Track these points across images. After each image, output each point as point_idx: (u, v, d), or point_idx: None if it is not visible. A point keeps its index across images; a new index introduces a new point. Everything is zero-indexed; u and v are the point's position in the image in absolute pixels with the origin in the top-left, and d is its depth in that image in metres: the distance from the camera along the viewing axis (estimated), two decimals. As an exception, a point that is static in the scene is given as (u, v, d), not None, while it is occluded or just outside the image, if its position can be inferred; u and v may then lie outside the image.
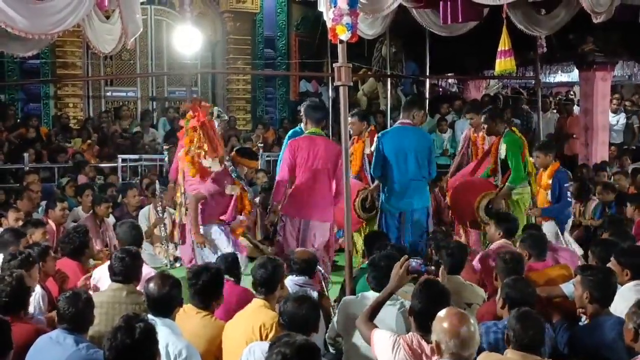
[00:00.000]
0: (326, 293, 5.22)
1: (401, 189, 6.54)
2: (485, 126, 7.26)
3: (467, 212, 6.98)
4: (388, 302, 3.91)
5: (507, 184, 6.91)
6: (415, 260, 3.91)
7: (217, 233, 6.35)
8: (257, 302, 4.12)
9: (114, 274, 4.48)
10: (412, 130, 6.65)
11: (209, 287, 4.17)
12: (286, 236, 6.21)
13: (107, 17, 7.71)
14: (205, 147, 6.23)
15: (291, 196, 6.20)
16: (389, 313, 3.98)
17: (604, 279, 4.01)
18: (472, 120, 7.94)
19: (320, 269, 5.53)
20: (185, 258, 6.92)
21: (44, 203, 7.99)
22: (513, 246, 5.52)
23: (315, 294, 4.44)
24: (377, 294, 4.02)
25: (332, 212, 6.24)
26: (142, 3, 7.72)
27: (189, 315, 4.12)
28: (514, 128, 7.52)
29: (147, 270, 4.82)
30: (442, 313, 3.15)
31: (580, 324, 4.29)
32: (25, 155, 10.29)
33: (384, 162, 6.51)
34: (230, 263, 4.91)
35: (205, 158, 6.26)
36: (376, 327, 3.70)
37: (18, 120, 12.44)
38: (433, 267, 4.19)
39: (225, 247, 6.24)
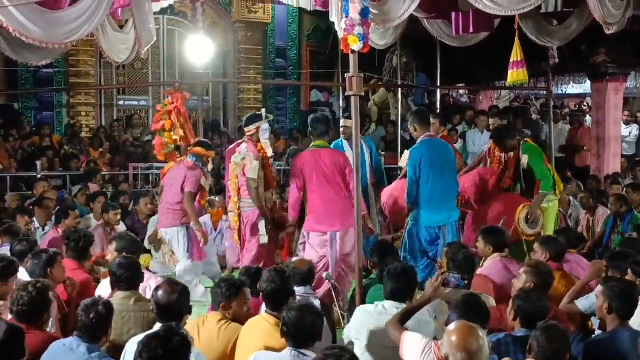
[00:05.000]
0: (336, 303, 5.18)
1: (442, 202, 6.47)
2: (499, 147, 7.29)
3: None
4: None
5: (540, 191, 6.90)
6: (454, 275, 3.98)
7: (175, 236, 6.37)
8: (269, 321, 4.05)
9: (118, 282, 4.49)
10: (441, 141, 6.73)
11: (229, 297, 4.19)
12: (306, 253, 6.10)
13: (121, 27, 7.77)
14: (181, 132, 6.31)
15: (311, 212, 6.15)
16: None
17: (625, 291, 3.98)
18: (496, 125, 7.92)
19: (329, 273, 5.51)
20: (232, 260, 7.08)
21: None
22: (507, 259, 5.46)
23: (317, 302, 4.43)
24: (396, 303, 4.11)
25: (353, 218, 6.16)
26: (155, 13, 7.77)
27: (209, 321, 4.15)
28: (527, 139, 7.51)
29: (147, 276, 4.86)
30: (451, 326, 3.19)
31: (593, 336, 4.27)
32: (38, 163, 10.35)
33: (420, 177, 6.43)
34: (251, 276, 4.90)
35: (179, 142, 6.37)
36: (406, 330, 3.76)
37: (33, 129, 12.54)
38: (466, 282, 4.20)
39: (180, 253, 6.34)
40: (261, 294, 4.24)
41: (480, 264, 5.57)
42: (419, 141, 6.57)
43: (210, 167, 6.87)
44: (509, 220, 6.71)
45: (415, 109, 7.87)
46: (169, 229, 6.39)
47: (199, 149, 6.59)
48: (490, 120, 8.38)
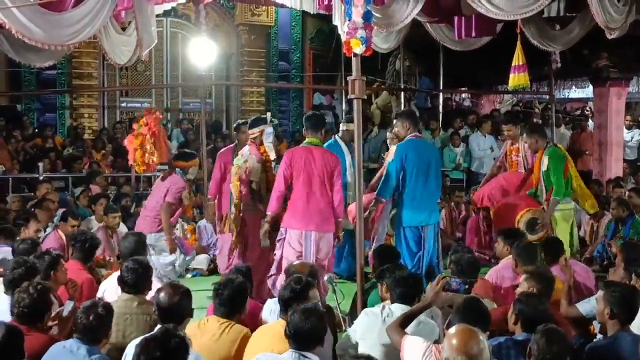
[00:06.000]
0: (337, 307, 5.18)
1: (424, 202, 6.51)
2: (527, 142, 7.26)
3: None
4: None
5: (552, 197, 6.89)
6: (455, 280, 3.99)
7: (156, 240, 6.52)
8: (283, 325, 3.93)
9: (126, 285, 4.50)
10: (427, 143, 6.75)
11: (235, 299, 4.18)
12: (284, 249, 6.04)
13: (123, 29, 7.79)
14: (155, 156, 6.65)
15: (290, 207, 6.09)
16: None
17: (626, 296, 3.97)
18: (510, 132, 7.93)
19: (332, 276, 5.50)
20: (222, 266, 7.09)
21: (59, 212, 8.04)
22: None
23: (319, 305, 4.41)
24: (403, 306, 4.12)
25: (333, 223, 6.08)
26: (158, 15, 7.79)
27: (210, 324, 4.15)
28: (556, 144, 7.51)
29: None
30: (452, 330, 3.18)
31: (595, 340, 4.27)
32: (40, 164, 10.37)
33: (405, 174, 6.47)
34: (243, 275, 4.90)
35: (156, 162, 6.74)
36: (407, 333, 3.76)
37: (35, 130, 12.56)
38: (467, 286, 4.20)
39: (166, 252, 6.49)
40: (280, 298, 4.23)
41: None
42: (406, 139, 6.62)
43: (191, 176, 7.00)
44: (510, 223, 6.71)
45: (404, 110, 7.89)
46: (150, 234, 6.48)
47: (181, 163, 6.81)
48: (504, 126, 8.36)
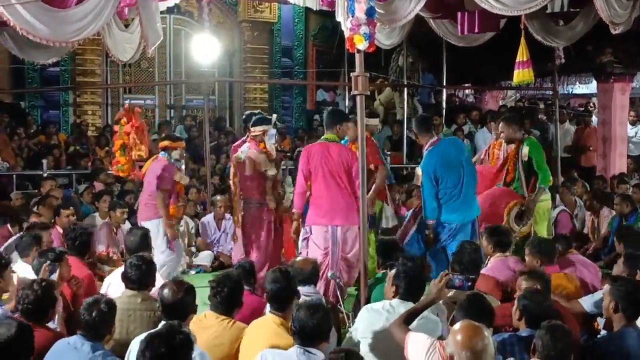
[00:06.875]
0: (341, 303, 5.18)
1: (453, 203, 6.32)
2: (503, 133, 7.17)
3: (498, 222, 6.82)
4: None
5: (538, 185, 6.80)
6: (458, 277, 3.98)
7: (153, 228, 6.39)
8: (274, 321, 4.03)
9: (129, 282, 4.50)
10: (450, 142, 6.70)
11: (233, 295, 4.18)
12: (309, 248, 5.99)
13: (126, 26, 7.80)
14: (143, 148, 6.62)
15: (312, 205, 6.07)
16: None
17: (632, 291, 3.96)
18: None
19: (337, 279, 5.49)
20: (235, 259, 7.02)
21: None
22: (512, 258, 5.45)
23: (322, 302, 4.42)
24: (405, 302, 4.10)
25: (356, 216, 5.87)
26: (161, 12, 7.79)
27: (209, 320, 4.14)
28: (530, 136, 7.47)
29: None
30: (456, 326, 3.17)
31: (599, 336, 4.27)
32: (44, 161, 10.39)
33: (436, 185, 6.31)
34: (247, 271, 4.91)
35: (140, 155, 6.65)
36: (410, 330, 3.74)
37: (39, 127, 12.59)
38: (470, 283, 4.19)
39: (159, 245, 6.45)
40: (266, 294, 4.24)
41: (485, 263, 5.55)
42: (425, 152, 6.46)
43: (182, 161, 6.99)
44: (498, 215, 6.64)
45: (414, 119, 7.78)
46: (146, 222, 6.51)
47: (166, 142, 6.76)
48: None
